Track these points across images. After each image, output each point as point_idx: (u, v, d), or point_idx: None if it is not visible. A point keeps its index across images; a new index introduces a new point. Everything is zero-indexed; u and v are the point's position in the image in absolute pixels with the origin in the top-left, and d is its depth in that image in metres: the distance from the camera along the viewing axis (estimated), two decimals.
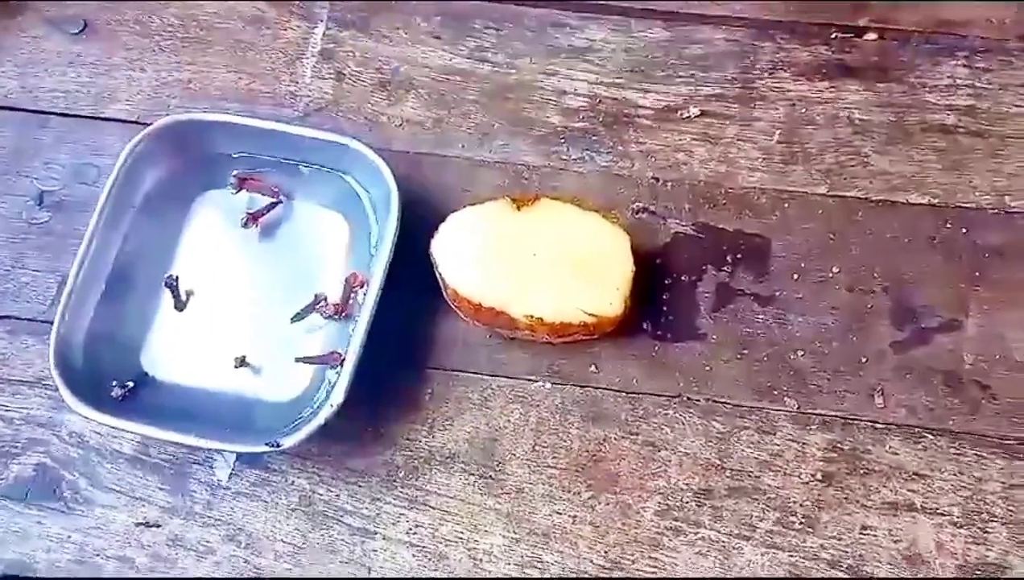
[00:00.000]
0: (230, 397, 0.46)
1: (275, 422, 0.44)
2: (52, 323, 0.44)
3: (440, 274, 0.46)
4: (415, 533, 0.45)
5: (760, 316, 0.47)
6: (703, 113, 0.51)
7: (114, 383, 0.45)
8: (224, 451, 0.45)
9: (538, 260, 0.46)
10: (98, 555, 0.45)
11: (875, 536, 0.43)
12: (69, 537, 0.45)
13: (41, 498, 0.46)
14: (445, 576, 0.44)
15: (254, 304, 0.48)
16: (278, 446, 0.42)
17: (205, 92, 0.53)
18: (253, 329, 0.47)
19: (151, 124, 0.47)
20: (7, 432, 0.47)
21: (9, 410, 0.48)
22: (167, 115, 0.49)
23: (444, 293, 0.46)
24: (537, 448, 0.46)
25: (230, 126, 0.48)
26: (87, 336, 0.46)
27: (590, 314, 0.45)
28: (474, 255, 0.46)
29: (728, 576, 0.43)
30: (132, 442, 0.47)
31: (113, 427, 0.43)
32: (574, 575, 0.44)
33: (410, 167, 0.51)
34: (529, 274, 0.45)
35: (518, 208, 0.47)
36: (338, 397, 0.43)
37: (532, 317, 0.45)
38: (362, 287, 0.46)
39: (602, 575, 0.44)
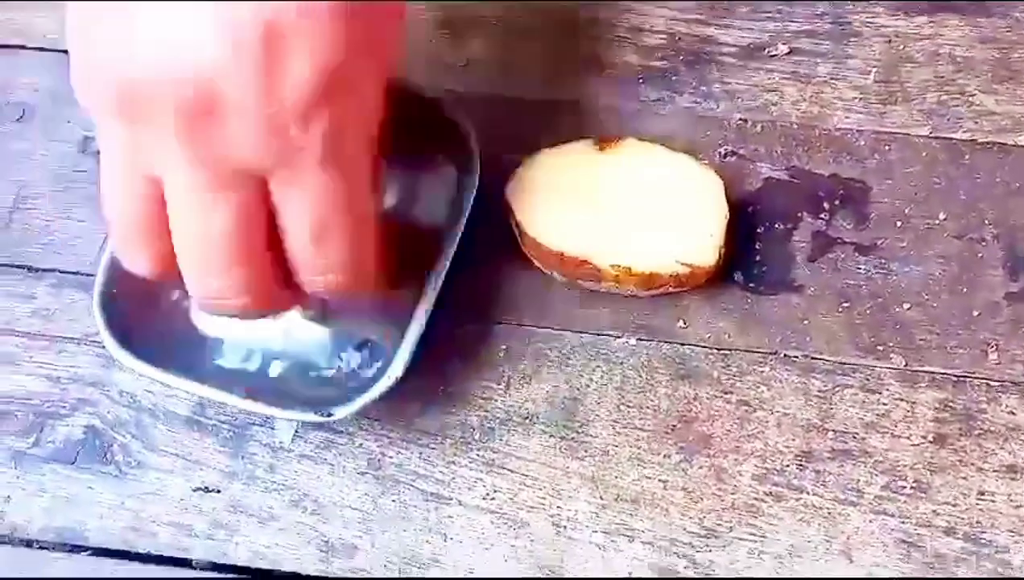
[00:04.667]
0: (287, 357, 0.43)
1: (331, 388, 0.41)
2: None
3: (516, 222, 0.43)
4: (493, 498, 0.42)
5: (861, 266, 0.44)
6: (792, 51, 0.48)
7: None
8: (275, 417, 0.42)
9: (625, 205, 0.42)
10: (154, 522, 0.42)
11: (993, 501, 0.40)
12: (122, 503, 0.42)
13: (91, 462, 0.43)
14: (524, 545, 0.41)
15: None
16: (330, 415, 0.39)
17: None
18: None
19: None
20: (54, 392, 0.44)
21: (56, 369, 0.45)
22: None
23: (520, 242, 0.43)
24: (622, 408, 0.42)
25: None
26: (133, 288, 0.42)
27: (683, 264, 0.41)
28: (555, 200, 0.43)
29: (831, 548, 0.40)
30: (188, 402, 0.44)
31: (153, 379, 0.41)
32: (666, 543, 0.40)
33: (476, 110, 0.47)
34: (615, 221, 0.42)
35: (601, 149, 0.44)
36: (397, 370, 0.40)
37: (619, 267, 0.41)
38: None
39: (696, 543, 0.40)
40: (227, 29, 0.30)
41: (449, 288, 0.41)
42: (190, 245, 0.33)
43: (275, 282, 0.34)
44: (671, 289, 0.43)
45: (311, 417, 0.39)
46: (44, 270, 0.46)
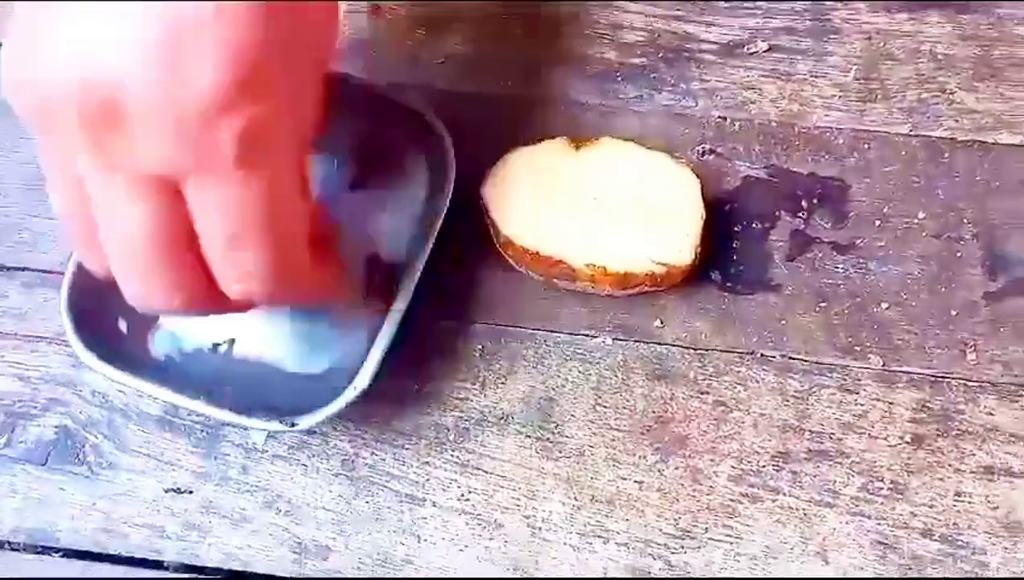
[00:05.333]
0: (252, 364, 0.42)
1: (299, 397, 0.41)
2: None
3: (492, 220, 0.42)
4: (467, 499, 0.41)
5: (839, 266, 0.43)
6: (772, 48, 0.47)
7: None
8: (238, 424, 0.41)
9: (600, 204, 0.42)
10: (125, 523, 0.42)
11: (970, 503, 0.40)
12: (94, 504, 0.42)
13: (63, 462, 0.43)
14: (500, 546, 0.40)
15: None
16: (294, 425, 0.39)
17: None
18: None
19: None
20: (25, 392, 0.44)
21: (27, 368, 0.44)
22: None
23: (496, 241, 0.43)
24: (598, 408, 0.42)
25: None
26: (104, 288, 0.42)
27: (659, 263, 0.41)
28: (530, 199, 0.42)
29: (808, 549, 0.40)
30: (160, 402, 0.43)
31: (121, 383, 0.40)
32: (641, 544, 0.40)
33: (453, 107, 0.47)
34: (591, 220, 0.42)
35: (577, 148, 0.43)
36: (363, 381, 0.39)
37: (595, 267, 0.41)
38: None
39: (672, 544, 0.40)
40: (132, 30, 0.28)
41: (424, 287, 0.41)
42: (112, 248, 0.32)
43: (207, 284, 0.33)
44: (647, 288, 0.42)
45: (276, 426, 0.39)
46: (15, 269, 0.46)
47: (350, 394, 0.39)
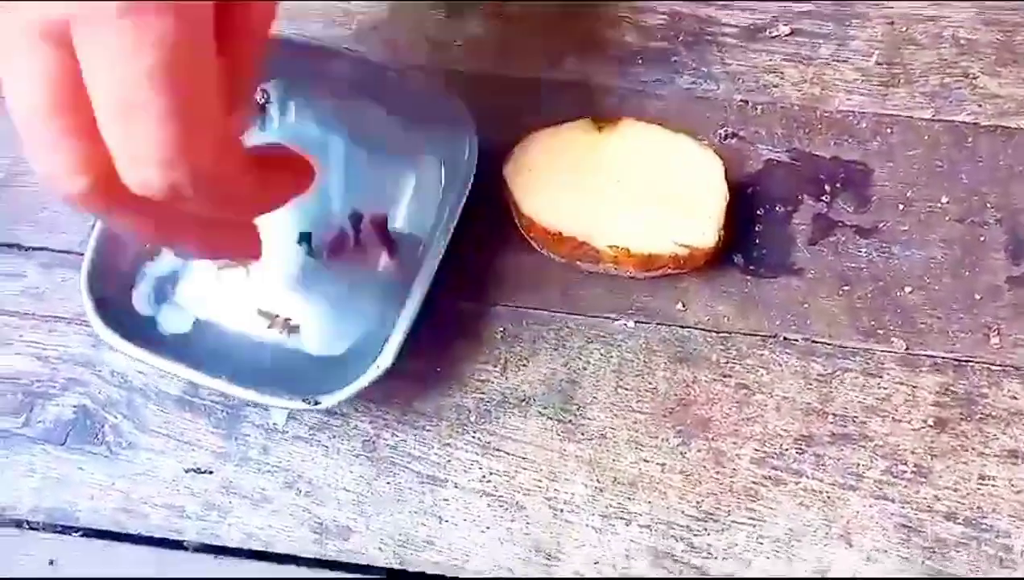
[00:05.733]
0: (273, 344, 0.42)
1: (323, 375, 0.41)
2: None
3: (514, 202, 0.42)
4: (489, 481, 0.41)
5: (862, 249, 0.43)
6: (793, 32, 0.47)
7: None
8: (260, 403, 0.41)
9: (623, 186, 0.42)
10: (145, 503, 0.42)
11: (994, 486, 0.40)
12: (113, 484, 0.42)
13: (82, 442, 0.43)
14: (522, 527, 0.40)
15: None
16: (317, 403, 0.39)
17: None
18: (301, 271, 0.43)
19: None
20: (44, 372, 0.44)
21: (46, 348, 0.44)
22: None
23: (518, 222, 0.43)
24: (620, 391, 0.42)
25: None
26: (123, 267, 0.42)
27: (682, 245, 0.41)
28: (553, 180, 0.42)
29: (831, 532, 0.40)
30: (179, 382, 0.43)
31: (141, 360, 0.40)
32: (664, 526, 0.40)
33: (474, 90, 0.46)
34: (614, 201, 0.42)
35: (600, 129, 0.43)
36: (386, 359, 0.39)
37: (618, 248, 0.41)
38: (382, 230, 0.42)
39: (694, 526, 0.40)
40: None
41: (446, 269, 0.41)
42: (14, 119, 0.28)
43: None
44: (670, 271, 0.42)
45: (298, 405, 0.39)
46: (34, 249, 0.45)
47: (372, 373, 0.39)
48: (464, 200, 0.41)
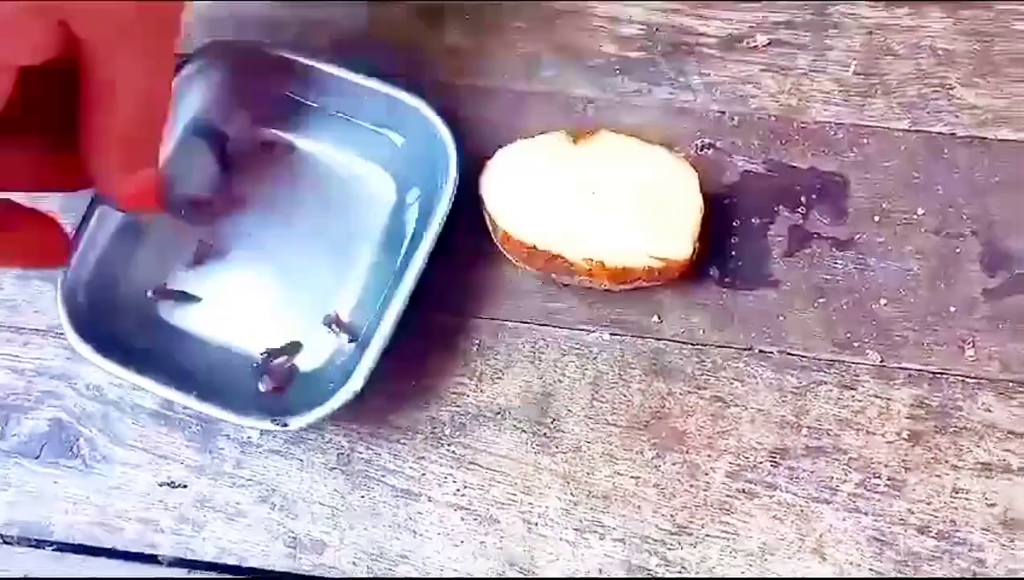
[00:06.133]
0: (244, 360, 0.42)
1: (300, 394, 0.41)
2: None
3: (489, 214, 0.42)
4: (463, 495, 0.41)
5: (838, 261, 0.43)
6: (771, 42, 0.47)
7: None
8: (229, 422, 0.41)
9: (598, 198, 0.42)
10: (120, 517, 0.42)
11: (968, 499, 0.40)
12: (88, 498, 0.42)
13: (57, 455, 0.42)
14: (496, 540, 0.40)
15: (279, 257, 0.44)
16: (285, 426, 0.38)
17: (232, 13, 0.48)
18: (277, 287, 0.43)
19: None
20: (19, 384, 0.44)
21: (21, 361, 0.44)
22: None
23: (493, 235, 0.43)
24: (595, 404, 0.42)
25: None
26: (100, 280, 0.42)
27: (657, 258, 0.41)
28: (527, 193, 0.42)
29: (804, 545, 0.40)
30: (154, 395, 0.43)
31: (113, 374, 0.40)
32: (638, 540, 0.40)
33: (450, 99, 0.46)
34: (588, 214, 0.42)
35: (575, 141, 0.43)
36: (357, 383, 0.39)
37: (592, 261, 0.41)
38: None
39: (668, 540, 0.40)
40: None
41: (422, 280, 0.40)
42: None
43: None
44: (645, 283, 0.42)
45: (267, 425, 0.39)
46: None
47: (343, 396, 0.38)
48: (444, 218, 0.41)
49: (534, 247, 0.41)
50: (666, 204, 0.42)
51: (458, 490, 0.41)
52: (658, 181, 0.42)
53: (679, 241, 0.41)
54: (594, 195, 0.42)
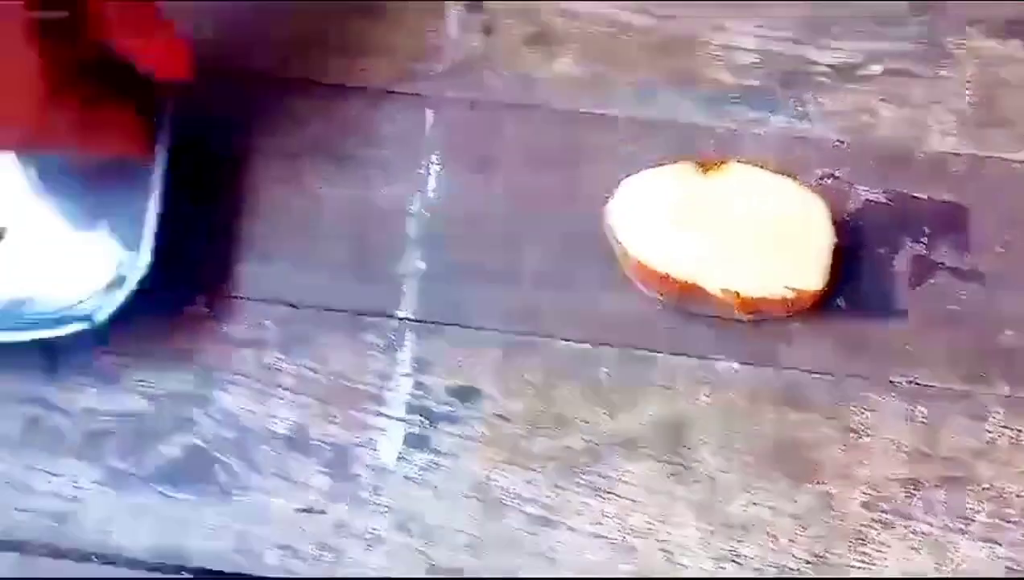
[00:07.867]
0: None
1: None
2: None
3: (619, 243, 0.43)
4: (601, 524, 0.42)
5: (963, 292, 0.44)
6: (886, 72, 0.47)
7: None
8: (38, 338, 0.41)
9: (732, 229, 0.42)
10: (259, 543, 0.42)
11: None
12: (226, 524, 0.42)
13: (194, 482, 0.43)
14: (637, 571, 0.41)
15: None
16: (93, 322, 0.39)
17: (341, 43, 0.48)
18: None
19: None
20: (151, 411, 0.44)
21: (154, 387, 0.44)
22: None
23: (622, 262, 0.43)
24: (728, 434, 0.42)
25: None
26: None
27: (791, 289, 0.41)
28: (662, 222, 0.42)
29: (941, 575, 0.40)
30: (286, 422, 0.43)
31: None
32: (775, 570, 0.41)
33: (568, 127, 0.47)
34: (723, 244, 0.42)
35: (704, 171, 0.43)
36: (145, 257, 0.39)
37: (729, 292, 0.41)
38: None
39: (804, 570, 0.41)
40: None
41: (548, 309, 0.41)
42: None
43: None
44: (775, 314, 0.42)
45: (73, 327, 0.39)
46: None
47: (137, 273, 0.39)
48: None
49: (668, 276, 0.42)
50: (797, 235, 0.42)
51: (596, 519, 0.42)
52: (788, 212, 0.43)
53: (812, 272, 0.42)
54: (726, 225, 0.42)
